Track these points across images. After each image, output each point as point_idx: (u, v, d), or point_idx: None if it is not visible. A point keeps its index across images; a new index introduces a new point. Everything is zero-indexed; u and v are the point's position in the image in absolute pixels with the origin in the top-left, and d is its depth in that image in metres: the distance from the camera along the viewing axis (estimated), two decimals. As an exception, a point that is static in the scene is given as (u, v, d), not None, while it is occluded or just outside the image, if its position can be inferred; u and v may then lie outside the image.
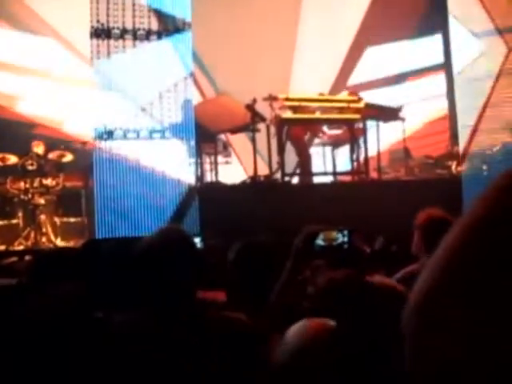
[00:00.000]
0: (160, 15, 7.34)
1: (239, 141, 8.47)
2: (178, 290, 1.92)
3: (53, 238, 7.10)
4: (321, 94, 8.07)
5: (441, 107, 10.12)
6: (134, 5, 7.18)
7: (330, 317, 1.63)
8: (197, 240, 3.02)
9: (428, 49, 10.22)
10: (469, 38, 9.11)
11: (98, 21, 7.09)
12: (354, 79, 10.04)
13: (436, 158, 8.73)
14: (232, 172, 8.14)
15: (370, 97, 8.28)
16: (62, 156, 7.45)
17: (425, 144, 9.53)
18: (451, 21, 9.21)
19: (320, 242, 2.25)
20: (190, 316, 1.88)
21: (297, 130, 7.89)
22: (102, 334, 1.84)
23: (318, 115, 7.59)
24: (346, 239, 2.28)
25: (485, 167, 8.42)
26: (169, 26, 7.33)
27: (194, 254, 2.00)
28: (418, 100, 9.91)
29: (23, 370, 1.74)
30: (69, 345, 1.78)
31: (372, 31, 9.93)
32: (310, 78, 8.99)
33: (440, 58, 10.13)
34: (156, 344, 1.84)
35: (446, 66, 9.89)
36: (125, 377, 1.79)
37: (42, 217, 7.15)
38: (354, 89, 9.27)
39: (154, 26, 7.30)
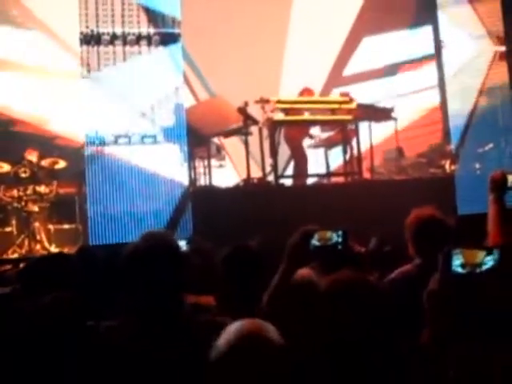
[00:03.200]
0: (149, 14, 7.32)
1: (232, 144, 8.46)
2: (163, 294, 1.91)
3: (47, 245, 7.08)
4: (308, 91, 8.06)
5: (433, 99, 10.11)
6: (123, 4, 7.17)
7: (336, 318, 1.62)
8: (185, 244, 3.01)
9: (420, 40, 10.18)
10: (459, 37, 9.15)
11: (87, 26, 7.07)
12: (346, 72, 10.05)
13: (429, 158, 8.73)
14: (226, 175, 8.13)
15: (362, 89, 8.30)
16: (55, 163, 7.43)
17: (418, 134, 9.55)
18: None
19: (315, 242, 2.21)
20: (176, 321, 1.87)
21: (292, 131, 7.90)
22: (91, 341, 1.83)
23: (309, 117, 7.60)
24: (340, 239, 2.24)
25: (478, 166, 8.44)
26: (159, 24, 7.30)
27: (178, 259, 1.99)
28: (410, 92, 9.91)
29: (17, 376, 1.73)
30: (62, 352, 1.77)
31: (365, 27, 9.96)
32: (301, 77, 9.00)
33: (431, 49, 10.12)
34: (141, 350, 1.83)
35: (437, 57, 9.88)
36: (113, 380, 1.78)
37: (36, 224, 7.13)
38: (348, 79, 9.29)
39: (144, 29, 7.29)
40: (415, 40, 10.27)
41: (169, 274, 1.92)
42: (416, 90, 10.11)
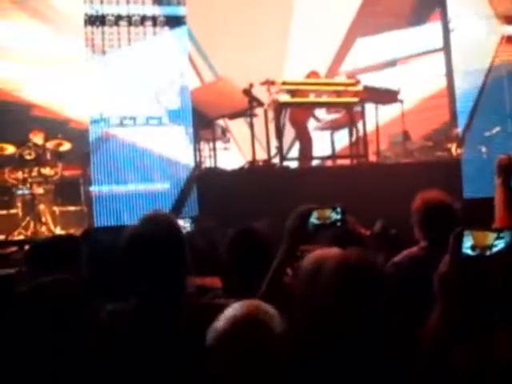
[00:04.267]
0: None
1: (237, 126, 8.43)
2: (164, 277, 1.89)
3: (52, 227, 7.09)
4: (314, 74, 8.01)
5: (440, 86, 10.03)
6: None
7: (341, 298, 1.60)
8: (190, 223, 3.00)
9: (428, 32, 10.12)
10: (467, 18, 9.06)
11: (91, 7, 7.03)
12: (350, 62, 9.98)
13: (435, 141, 8.68)
14: (231, 158, 8.11)
15: (369, 80, 8.24)
16: (60, 145, 7.41)
17: (425, 116, 9.49)
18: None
19: (314, 220, 2.18)
20: (179, 304, 1.86)
21: (297, 113, 7.86)
22: (94, 322, 1.83)
23: (315, 99, 7.55)
24: (339, 216, 2.20)
25: (484, 150, 8.40)
26: (163, 4, 7.24)
27: (180, 241, 1.97)
28: (417, 80, 9.85)
29: (20, 356, 1.74)
30: (66, 331, 1.77)
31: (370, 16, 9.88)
32: (306, 59, 8.94)
33: (439, 41, 10.04)
34: (145, 332, 1.82)
35: (445, 48, 9.80)
36: (113, 363, 1.78)
37: (41, 206, 7.14)
38: (350, 73, 9.24)
39: (149, 10, 7.24)
40: (425, 31, 10.15)
41: (170, 256, 1.91)
42: (424, 74, 10.00)
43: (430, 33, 10.08)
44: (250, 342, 1.40)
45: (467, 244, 1.64)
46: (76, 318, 1.81)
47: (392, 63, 10.18)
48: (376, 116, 7.72)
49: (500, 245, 1.66)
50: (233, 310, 1.47)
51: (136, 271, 1.91)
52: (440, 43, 9.89)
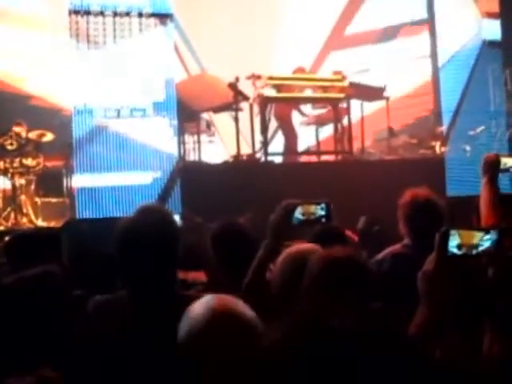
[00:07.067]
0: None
1: (222, 120, 8.39)
2: (156, 269, 1.89)
3: (33, 218, 7.01)
4: (301, 70, 8.00)
5: (425, 74, 9.99)
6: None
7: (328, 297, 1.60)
8: (177, 218, 2.98)
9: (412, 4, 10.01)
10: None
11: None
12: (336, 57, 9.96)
13: (419, 139, 8.72)
14: (215, 151, 8.08)
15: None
16: (43, 135, 7.32)
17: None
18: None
19: (298, 216, 2.15)
20: (169, 297, 1.85)
21: (283, 108, 7.84)
22: (79, 311, 1.81)
23: (301, 94, 7.54)
24: (324, 212, 2.18)
25: (468, 148, 8.46)
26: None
27: (174, 234, 1.96)
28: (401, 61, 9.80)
29: (5, 349, 1.71)
30: (46, 320, 1.76)
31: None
32: (292, 54, 8.93)
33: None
34: (132, 325, 1.81)
35: (430, 25, 9.77)
36: (100, 355, 1.76)
37: (23, 197, 7.06)
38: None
39: (136, 1, 7.17)
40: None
41: (165, 248, 1.90)
42: (409, 60, 9.94)
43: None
44: (230, 333, 1.38)
45: (453, 243, 1.64)
46: (61, 310, 1.80)
47: (386, 37, 10.06)
48: (361, 112, 7.74)
49: (486, 244, 1.66)
50: (204, 303, 1.45)
51: (128, 262, 1.89)
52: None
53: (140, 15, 7.16)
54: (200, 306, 1.45)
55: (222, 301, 1.47)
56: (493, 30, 9.23)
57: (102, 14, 7.02)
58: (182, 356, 1.42)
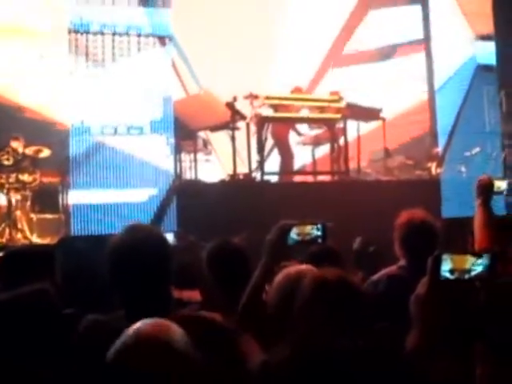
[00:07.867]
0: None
1: (219, 139, 8.42)
2: (149, 288, 1.88)
3: (29, 234, 6.99)
4: (298, 90, 8.04)
5: (421, 95, 10.07)
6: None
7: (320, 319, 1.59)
8: (170, 237, 2.98)
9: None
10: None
11: (77, 15, 6.99)
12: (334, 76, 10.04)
13: (415, 160, 8.75)
14: (212, 170, 8.09)
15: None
16: (40, 151, 7.33)
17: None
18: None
19: (294, 236, 2.16)
20: (164, 316, 1.84)
21: (280, 128, 7.87)
22: (71, 330, 1.80)
23: (298, 114, 7.57)
24: (320, 233, 2.18)
25: (463, 169, 8.48)
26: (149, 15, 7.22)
27: (165, 252, 1.95)
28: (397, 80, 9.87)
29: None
30: (37, 339, 1.74)
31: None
32: (290, 74, 8.99)
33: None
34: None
35: (426, 46, 9.85)
36: (92, 373, 1.75)
37: (18, 213, 7.04)
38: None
39: (135, 21, 7.21)
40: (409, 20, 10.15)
41: (157, 267, 1.89)
42: (405, 80, 10.04)
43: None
44: (148, 361, 1.38)
45: (446, 267, 1.64)
46: (52, 328, 1.79)
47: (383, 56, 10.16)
48: (358, 132, 7.77)
49: (478, 268, 1.65)
50: (135, 327, 1.45)
51: (121, 281, 1.89)
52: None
53: (139, 35, 7.20)
54: (131, 328, 1.45)
55: (151, 325, 1.46)
56: (487, 51, 9.31)
57: (101, 33, 7.06)
58: (107, 374, 1.42)
